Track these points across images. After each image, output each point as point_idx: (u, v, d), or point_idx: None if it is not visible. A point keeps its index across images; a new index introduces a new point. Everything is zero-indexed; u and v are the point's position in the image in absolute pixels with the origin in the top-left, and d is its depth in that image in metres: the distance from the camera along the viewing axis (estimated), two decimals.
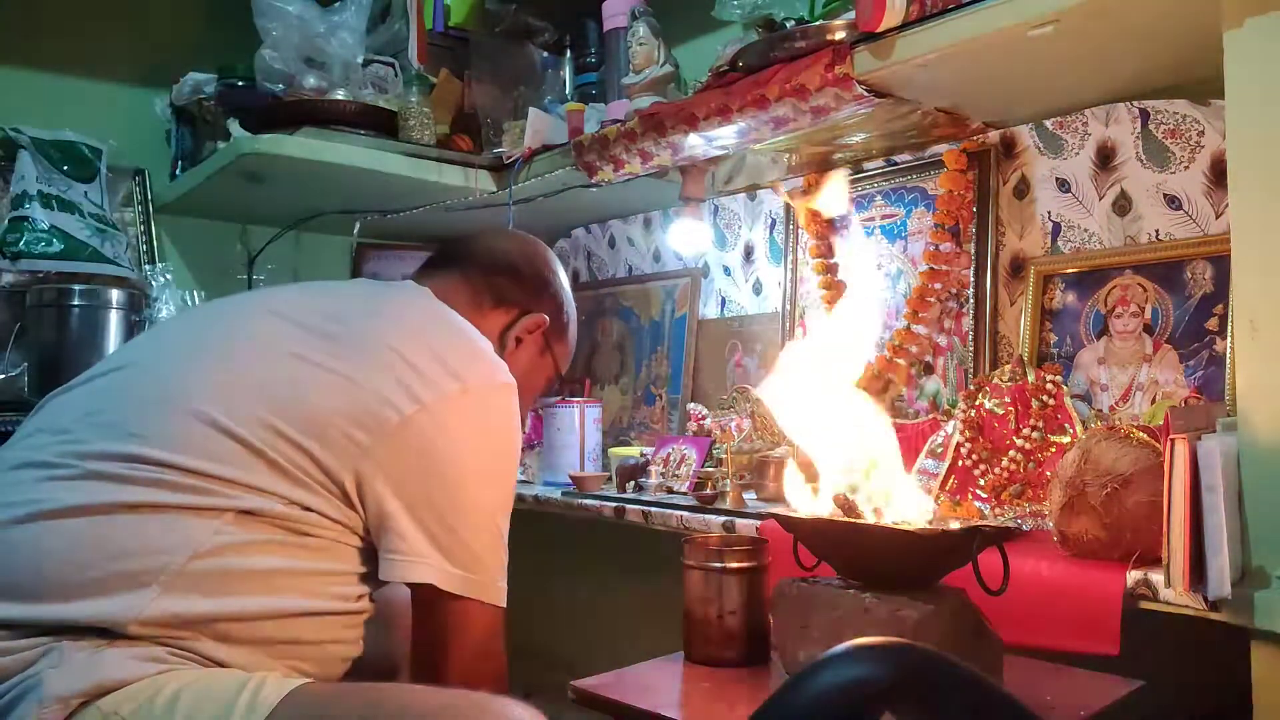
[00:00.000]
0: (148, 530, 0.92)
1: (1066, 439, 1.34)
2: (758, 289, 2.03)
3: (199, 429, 0.97)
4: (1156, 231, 1.41)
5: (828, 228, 1.84)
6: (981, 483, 1.39)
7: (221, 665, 0.92)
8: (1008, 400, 1.40)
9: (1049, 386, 1.38)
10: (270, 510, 0.96)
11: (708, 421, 1.77)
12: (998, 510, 1.35)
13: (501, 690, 1.00)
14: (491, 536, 1.06)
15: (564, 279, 1.37)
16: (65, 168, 2.11)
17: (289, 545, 0.97)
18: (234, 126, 1.95)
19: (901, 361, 1.68)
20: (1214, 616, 0.95)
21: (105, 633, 0.88)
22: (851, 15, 1.31)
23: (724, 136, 1.62)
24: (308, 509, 0.98)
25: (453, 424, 1.03)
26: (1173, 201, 1.39)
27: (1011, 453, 1.38)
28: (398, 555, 1.00)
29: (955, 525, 1.00)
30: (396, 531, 1.00)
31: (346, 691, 0.93)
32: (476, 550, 1.03)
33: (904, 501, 1.04)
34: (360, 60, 2.00)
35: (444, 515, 1.01)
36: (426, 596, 1.03)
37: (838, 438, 1.08)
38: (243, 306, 1.18)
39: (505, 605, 1.06)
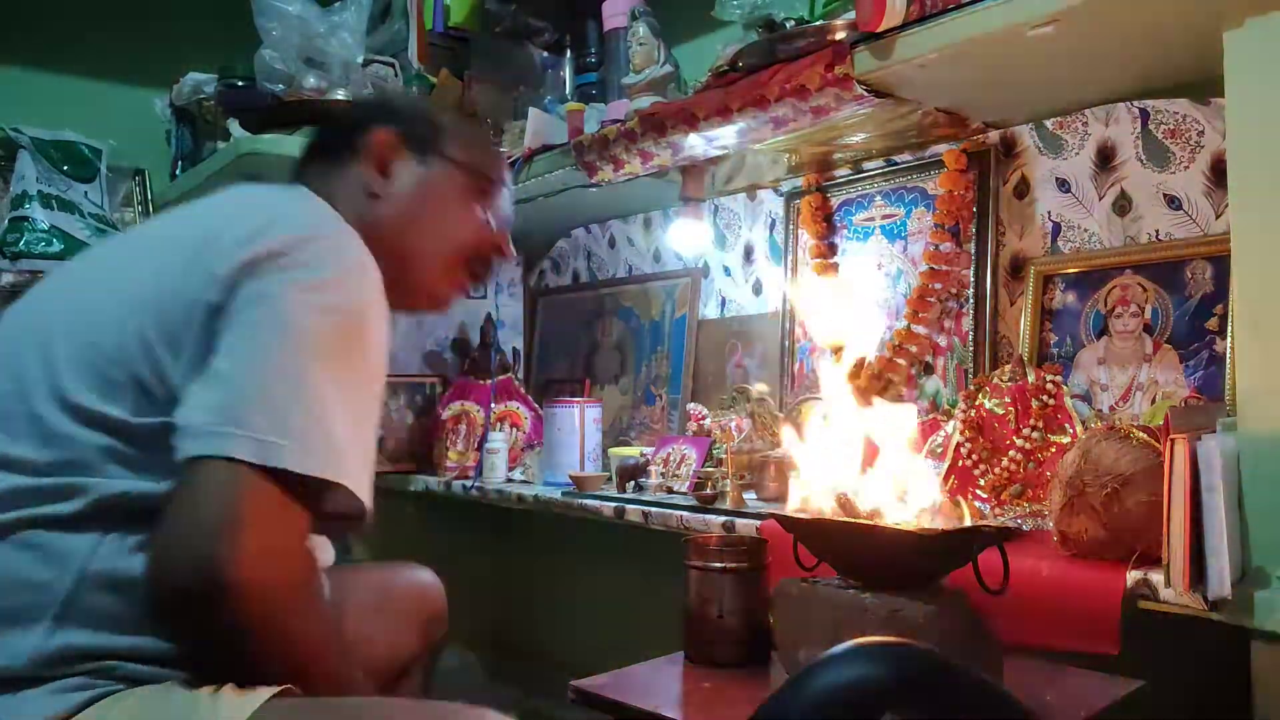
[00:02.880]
0: (18, 557, 0.81)
1: (1066, 439, 1.34)
2: (758, 289, 2.03)
3: (42, 411, 0.84)
4: (1156, 231, 1.41)
5: (828, 228, 1.84)
6: (981, 483, 1.39)
7: (160, 681, 0.81)
8: (1008, 400, 1.40)
9: (1049, 386, 1.38)
10: (147, 492, 0.82)
11: (708, 421, 1.77)
12: (998, 510, 1.35)
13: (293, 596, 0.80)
14: (288, 385, 0.82)
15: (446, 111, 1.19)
16: (65, 168, 2.12)
17: None
18: (234, 126, 1.96)
19: (901, 361, 1.68)
20: (1214, 616, 0.95)
21: (13, 680, 0.78)
22: (851, 15, 1.31)
23: (724, 136, 1.62)
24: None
25: (260, 293, 0.84)
26: (1173, 201, 1.39)
27: (1011, 453, 1.38)
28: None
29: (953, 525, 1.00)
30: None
31: (317, 707, 0.82)
32: (253, 398, 0.80)
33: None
34: (360, 60, 2.00)
35: (220, 374, 0.81)
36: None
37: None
38: (82, 256, 1.06)
39: (330, 478, 0.83)
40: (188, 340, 0.84)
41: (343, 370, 0.86)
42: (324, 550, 1.06)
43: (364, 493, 0.86)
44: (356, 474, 0.85)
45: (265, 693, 0.79)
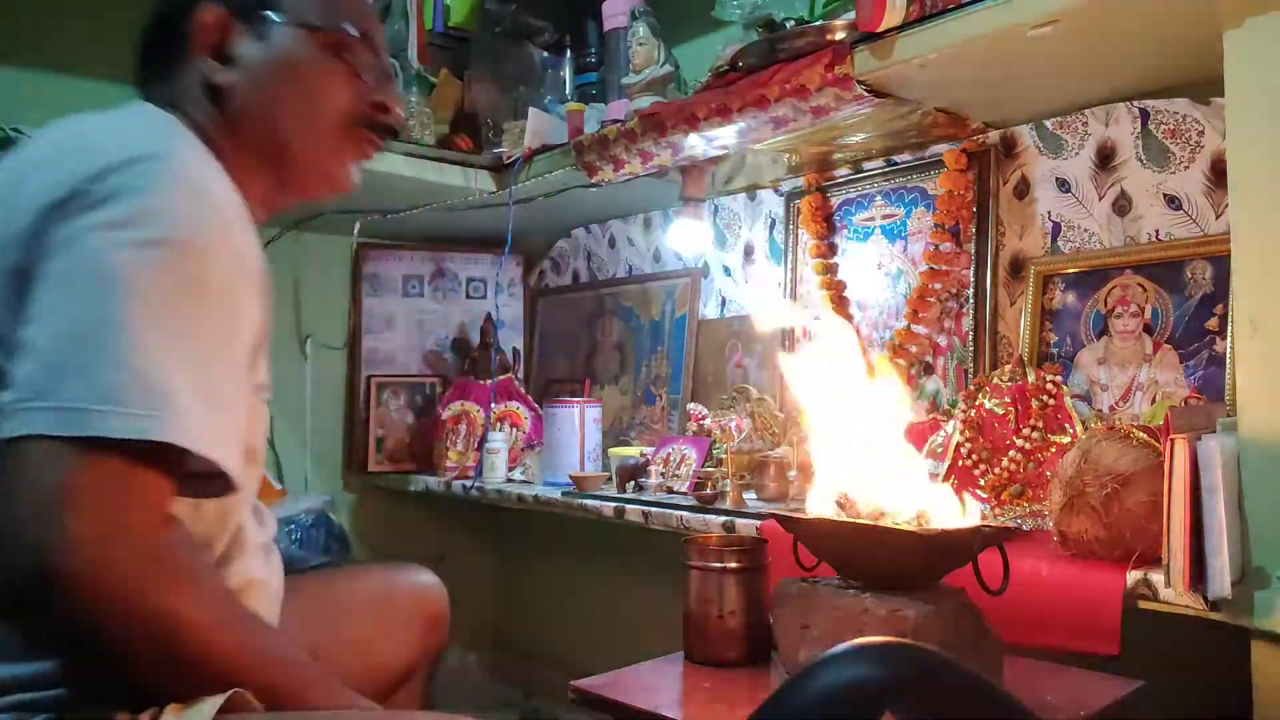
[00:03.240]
0: None
1: (1066, 439, 1.34)
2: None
3: None
4: (1156, 231, 1.41)
5: (827, 228, 1.84)
6: (981, 483, 1.39)
7: (84, 703, 0.73)
8: (1008, 400, 1.40)
9: (1049, 386, 1.38)
10: None
11: (708, 421, 1.77)
12: (998, 510, 1.35)
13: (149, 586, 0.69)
14: (102, 341, 0.71)
15: None
16: None
17: None
18: None
19: (901, 361, 1.68)
20: (1214, 616, 0.95)
21: None
22: (851, 15, 1.31)
23: (724, 136, 1.62)
24: None
25: (64, 240, 0.73)
26: (1173, 201, 1.39)
27: (1011, 453, 1.38)
28: None
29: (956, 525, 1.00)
30: None
31: None
32: (63, 363, 0.70)
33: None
34: None
35: (27, 343, 0.71)
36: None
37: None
38: None
39: (170, 440, 0.71)
40: (2, 321, 0.74)
41: (176, 313, 0.74)
42: (261, 518, 0.96)
43: (215, 449, 0.74)
44: (200, 430, 0.73)
45: (209, 707, 0.70)
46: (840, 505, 1.04)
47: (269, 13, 0.93)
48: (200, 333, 0.76)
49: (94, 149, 0.78)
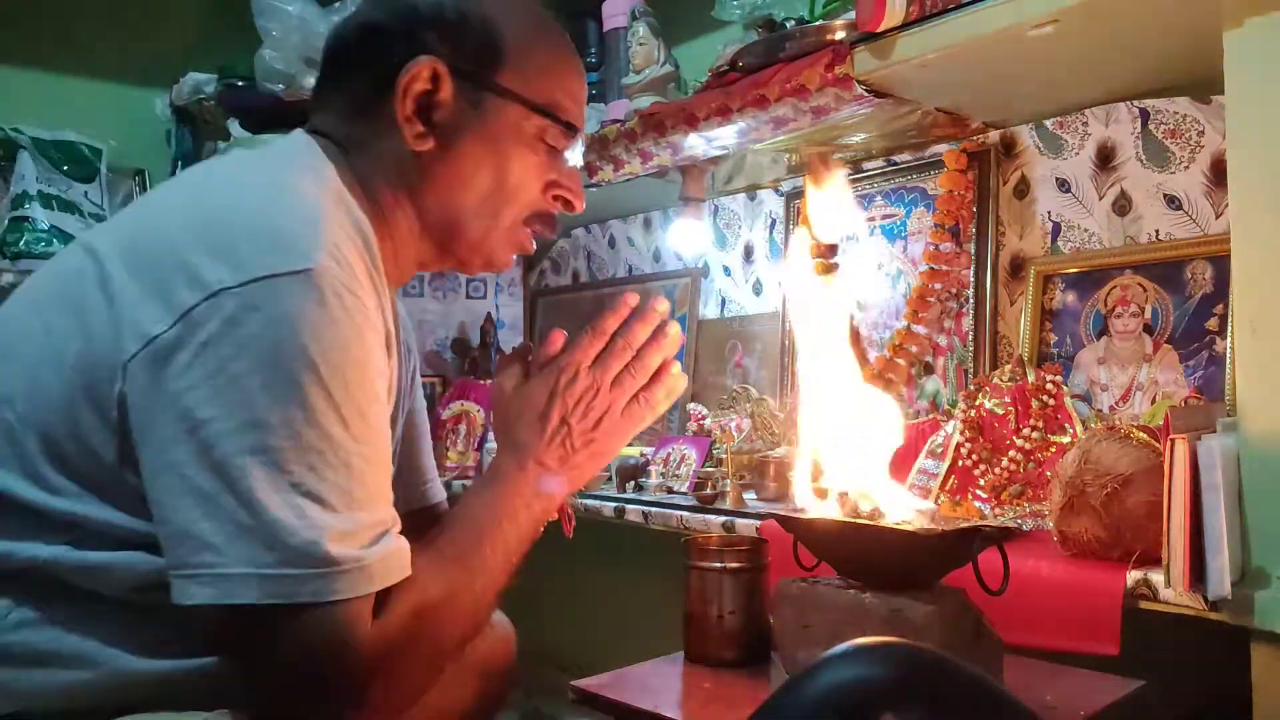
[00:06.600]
0: None
1: (1066, 439, 1.34)
2: (758, 289, 2.03)
3: None
4: (1156, 231, 1.41)
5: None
6: (981, 483, 1.39)
7: None
8: (1008, 400, 1.40)
9: (1049, 386, 1.38)
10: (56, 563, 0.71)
11: (708, 421, 1.77)
12: (998, 510, 1.35)
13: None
14: (285, 491, 0.67)
15: None
16: (65, 168, 2.12)
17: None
18: (234, 126, 1.96)
19: (901, 361, 1.68)
20: (1214, 616, 0.94)
21: None
22: (851, 15, 1.31)
23: (724, 136, 1.62)
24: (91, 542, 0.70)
25: (211, 350, 0.67)
26: (1173, 201, 1.39)
27: (1011, 453, 1.38)
28: (171, 567, 0.68)
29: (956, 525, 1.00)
30: (159, 528, 0.68)
31: None
32: (267, 522, 0.66)
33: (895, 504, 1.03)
34: None
35: (207, 485, 0.67)
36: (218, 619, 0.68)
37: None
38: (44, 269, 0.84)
39: (360, 594, 0.70)
40: (102, 396, 0.70)
41: (339, 440, 0.71)
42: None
43: (392, 570, 0.74)
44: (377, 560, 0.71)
45: None
46: (840, 505, 1.04)
47: (489, 74, 0.84)
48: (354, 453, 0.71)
49: (221, 249, 0.69)
